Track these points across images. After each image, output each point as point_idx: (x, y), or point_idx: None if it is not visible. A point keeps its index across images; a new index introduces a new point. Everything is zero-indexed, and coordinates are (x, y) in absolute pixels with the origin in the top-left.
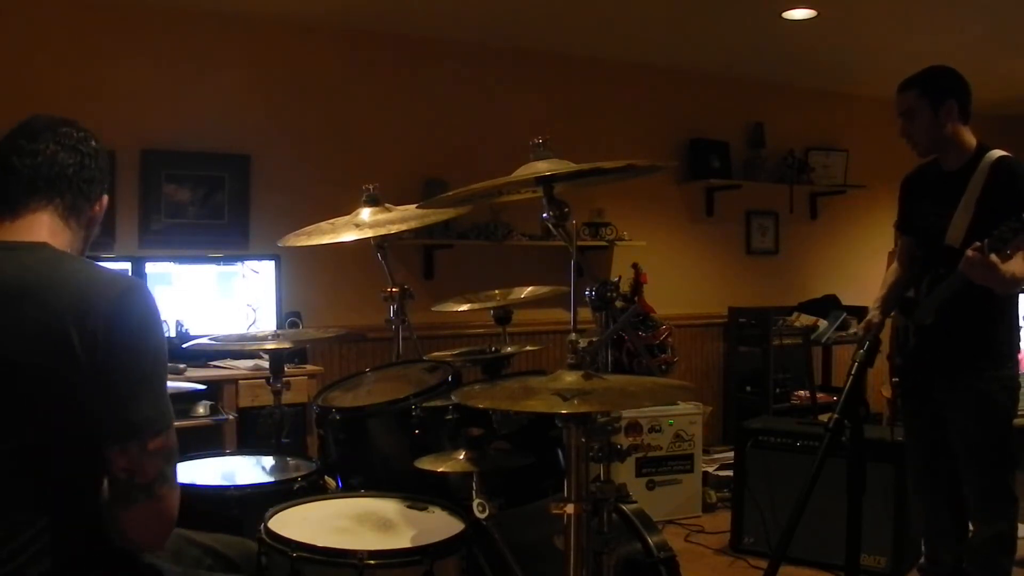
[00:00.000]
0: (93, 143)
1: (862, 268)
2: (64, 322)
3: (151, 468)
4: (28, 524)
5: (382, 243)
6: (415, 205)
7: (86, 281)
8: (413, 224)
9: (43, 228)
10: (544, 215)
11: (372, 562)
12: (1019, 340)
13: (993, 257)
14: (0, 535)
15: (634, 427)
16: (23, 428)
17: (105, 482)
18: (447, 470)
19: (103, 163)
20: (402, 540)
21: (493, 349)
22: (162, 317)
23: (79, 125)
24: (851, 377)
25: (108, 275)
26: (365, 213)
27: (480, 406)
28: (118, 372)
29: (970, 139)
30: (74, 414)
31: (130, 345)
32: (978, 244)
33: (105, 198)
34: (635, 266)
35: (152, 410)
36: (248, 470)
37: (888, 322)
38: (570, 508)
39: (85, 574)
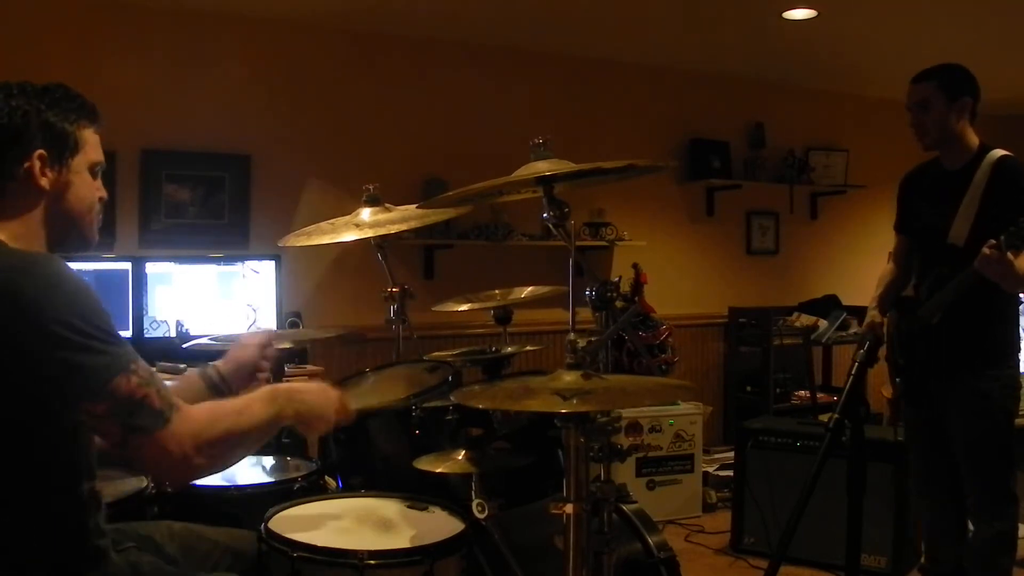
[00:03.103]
0: (11, 101)
1: (862, 268)
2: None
3: (132, 404)
4: (21, 517)
5: (382, 243)
6: (415, 205)
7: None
8: (413, 224)
9: None
10: (544, 215)
11: (372, 562)
12: (1020, 340)
13: (1010, 254)
14: None
15: (634, 427)
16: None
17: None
18: (447, 470)
19: (18, 119)
20: (402, 540)
21: (493, 349)
22: (75, 276)
23: (5, 84)
24: (851, 377)
25: (17, 257)
26: (365, 213)
27: (480, 406)
28: (57, 341)
29: (973, 138)
30: (33, 396)
31: (59, 314)
32: (993, 242)
33: (36, 153)
34: (635, 266)
35: (104, 357)
36: (248, 470)
37: (884, 322)
38: (570, 508)
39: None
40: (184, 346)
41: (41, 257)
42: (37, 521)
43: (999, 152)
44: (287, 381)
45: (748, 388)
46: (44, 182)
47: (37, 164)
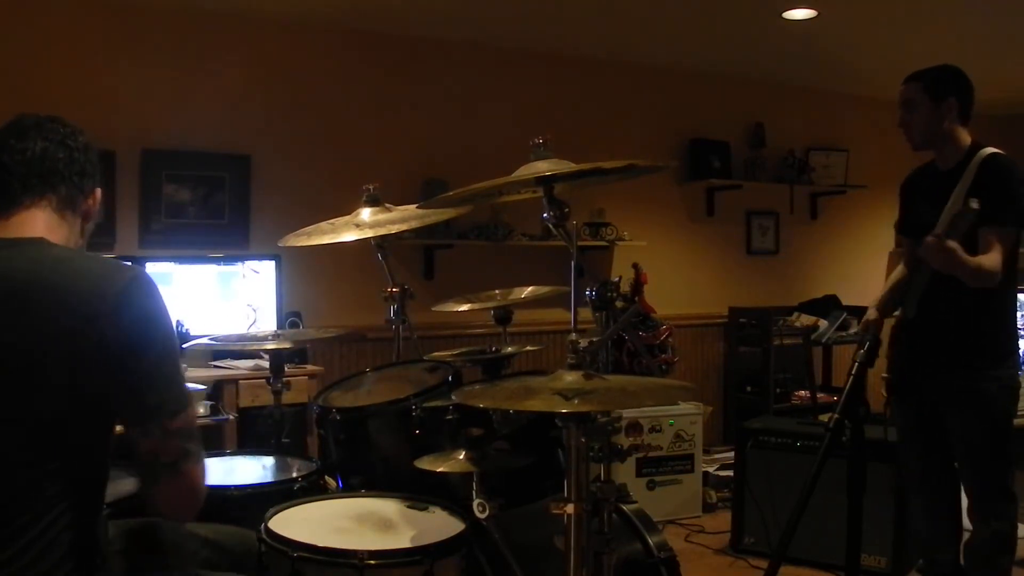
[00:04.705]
0: (81, 138)
1: (862, 268)
2: (69, 317)
3: (172, 447)
4: (44, 514)
5: (382, 243)
6: (415, 205)
7: (88, 275)
8: (413, 224)
9: (39, 224)
10: (544, 215)
11: (372, 562)
12: (1018, 339)
13: (951, 243)
14: (17, 525)
15: (634, 427)
16: (37, 420)
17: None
18: (447, 470)
19: (93, 156)
20: (402, 540)
21: (493, 349)
22: (165, 303)
23: (65, 121)
24: (851, 377)
25: (110, 267)
26: (365, 213)
27: (480, 406)
28: (127, 362)
29: (965, 139)
30: (87, 405)
31: (136, 336)
32: (937, 231)
33: (98, 192)
34: (635, 266)
35: (166, 393)
36: (248, 470)
37: (889, 321)
38: (570, 508)
39: (95, 568)
40: (184, 346)
41: (148, 277)
42: (70, 513)
43: (988, 150)
44: (286, 381)
45: (748, 388)
46: (94, 211)
47: (97, 198)
